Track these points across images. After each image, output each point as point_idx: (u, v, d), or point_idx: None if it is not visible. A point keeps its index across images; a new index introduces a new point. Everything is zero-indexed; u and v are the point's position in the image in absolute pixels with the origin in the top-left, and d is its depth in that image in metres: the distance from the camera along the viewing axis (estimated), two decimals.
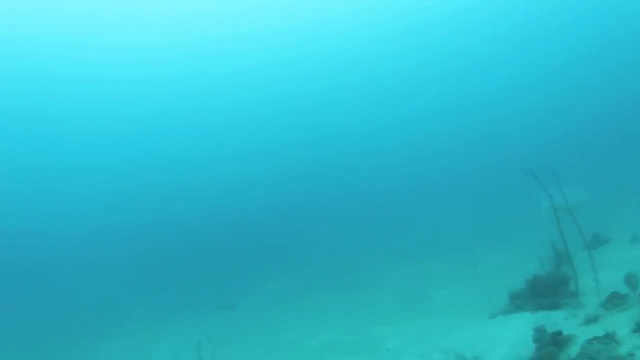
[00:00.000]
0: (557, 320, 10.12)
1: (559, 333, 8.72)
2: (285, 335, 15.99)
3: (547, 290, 11.19)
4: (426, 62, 67.58)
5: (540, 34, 63.57)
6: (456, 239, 23.28)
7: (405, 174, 54.72)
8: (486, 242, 22.90)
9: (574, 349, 8.37)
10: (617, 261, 13.73)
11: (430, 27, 63.61)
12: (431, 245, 25.01)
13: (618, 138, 42.81)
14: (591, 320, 9.42)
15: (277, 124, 70.56)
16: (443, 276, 18.44)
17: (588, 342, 8.11)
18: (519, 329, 9.97)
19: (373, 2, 59.80)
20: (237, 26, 60.78)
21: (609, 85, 58.27)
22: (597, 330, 8.73)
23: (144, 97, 66.74)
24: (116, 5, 53.53)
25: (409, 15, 62.02)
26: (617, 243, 16.61)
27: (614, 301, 9.68)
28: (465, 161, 53.63)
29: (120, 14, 54.71)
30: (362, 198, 50.65)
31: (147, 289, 30.92)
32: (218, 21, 59.62)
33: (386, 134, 65.90)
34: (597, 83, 60.19)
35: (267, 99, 69.64)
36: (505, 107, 62.24)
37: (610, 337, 8.07)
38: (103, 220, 59.45)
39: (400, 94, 69.41)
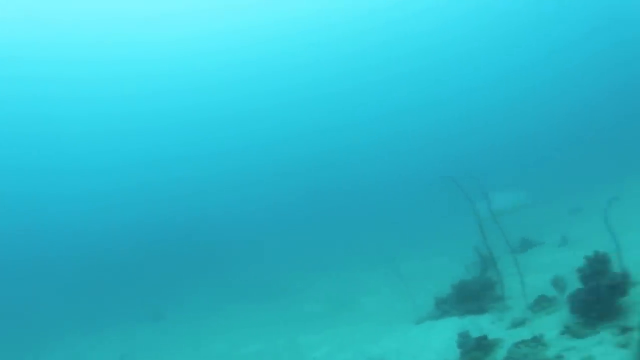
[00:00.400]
0: (484, 324, 9.85)
1: (484, 337, 8.38)
2: (215, 346, 15.40)
3: (473, 295, 10.90)
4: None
5: (473, 47, 64.79)
6: (385, 246, 23.08)
7: (332, 183, 54.72)
8: (414, 248, 22.85)
9: (500, 353, 8.04)
10: (546, 264, 13.69)
11: None
12: (359, 253, 24.76)
13: (548, 144, 43.83)
14: (518, 323, 9.12)
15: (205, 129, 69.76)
16: (371, 283, 18.14)
17: (515, 345, 7.76)
18: (446, 334, 9.65)
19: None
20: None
21: (535, 96, 59.88)
22: (525, 333, 8.46)
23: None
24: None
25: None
26: (546, 246, 16.64)
27: (542, 304, 9.44)
28: (393, 169, 53.96)
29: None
30: (289, 207, 50.50)
31: (79, 296, 29.79)
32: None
33: (314, 143, 65.80)
34: (524, 93, 61.72)
35: None
36: (433, 116, 63.09)
37: (537, 340, 7.76)
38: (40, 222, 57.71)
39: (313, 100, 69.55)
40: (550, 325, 8.38)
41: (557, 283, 9.91)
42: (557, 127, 49.19)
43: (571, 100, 57.09)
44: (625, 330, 7.18)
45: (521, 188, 22.27)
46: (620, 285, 7.84)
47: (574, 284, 8.67)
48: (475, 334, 9.04)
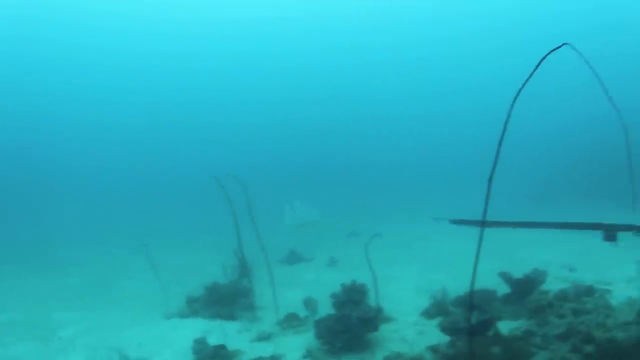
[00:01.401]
0: (230, 331, 9.36)
1: (222, 347, 7.81)
2: None
3: (225, 299, 10.39)
4: None
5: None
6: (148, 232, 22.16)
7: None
8: (181, 240, 22.24)
9: None
10: (309, 281, 13.79)
11: None
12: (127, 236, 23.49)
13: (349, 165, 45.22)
14: (264, 337, 8.71)
15: None
16: (135, 268, 17.08)
17: None
18: (190, 335, 8.99)
19: None
20: None
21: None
22: (268, 348, 8.13)
23: None
24: None
25: None
26: (314, 263, 16.90)
27: (291, 322, 9.16)
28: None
29: None
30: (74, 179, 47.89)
31: None
32: None
33: None
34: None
35: None
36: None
37: (275, 359, 7.38)
38: None
39: None
40: (294, 346, 8.10)
41: (309, 304, 9.78)
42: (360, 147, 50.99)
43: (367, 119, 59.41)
44: None
45: (313, 203, 22.56)
46: (372, 320, 7.77)
47: (329, 308, 8.56)
48: (219, 339, 8.54)
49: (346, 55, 61.16)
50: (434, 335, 7.50)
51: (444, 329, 7.08)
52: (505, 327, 7.67)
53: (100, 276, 16.91)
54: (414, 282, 12.19)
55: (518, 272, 9.46)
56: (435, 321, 8.22)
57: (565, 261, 12.66)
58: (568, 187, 25.42)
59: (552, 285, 9.72)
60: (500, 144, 3.02)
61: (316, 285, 12.08)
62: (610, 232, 5.21)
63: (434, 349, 6.74)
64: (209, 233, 22.62)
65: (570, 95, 42.97)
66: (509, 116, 3.14)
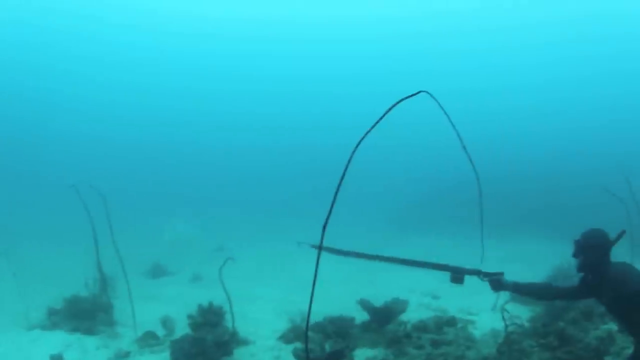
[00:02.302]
0: (89, 347, 9.37)
1: None
2: None
3: (84, 313, 10.34)
4: None
5: None
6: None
7: None
8: (49, 245, 21.34)
9: None
10: (171, 297, 13.72)
11: None
12: None
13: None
14: (122, 355, 8.84)
15: None
16: None
17: None
18: (50, 349, 8.89)
19: None
20: None
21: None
22: None
23: None
24: None
25: None
26: (177, 277, 16.81)
27: (149, 341, 9.32)
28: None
29: None
30: None
31: None
32: None
33: None
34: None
35: None
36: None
37: None
38: None
39: None
40: None
41: (166, 323, 9.93)
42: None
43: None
44: None
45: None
46: (227, 344, 8.08)
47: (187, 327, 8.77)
48: (78, 355, 8.58)
49: None
50: None
51: (298, 357, 7.37)
52: (362, 355, 8.10)
53: None
54: (276, 302, 12.43)
55: (381, 297, 9.83)
56: (292, 346, 8.60)
57: (429, 288, 13.03)
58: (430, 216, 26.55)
59: (415, 313, 10.22)
60: (339, 185, 3.29)
61: (177, 302, 12.09)
62: (457, 275, 5.61)
63: None
64: (78, 240, 21.97)
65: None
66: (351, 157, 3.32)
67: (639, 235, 12.53)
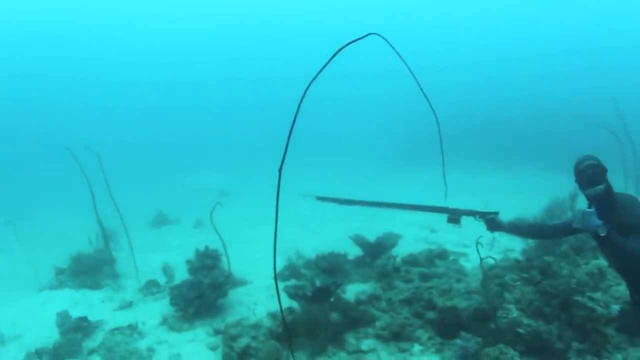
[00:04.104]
0: (95, 301, 9.58)
1: (84, 319, 8.01)
2: None
3: (90, 269, 10.55)
4: None
5: None
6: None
7: None
8: (53, 208, 21.52)
9: (98, 337, 7.82)
10: (174, 245, 13.98)
11: None
12: None
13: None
14: (125, 306, 9.04)
15: None
16: (8, 241, 16.45)
17: (111, 331, 7.63)
18: (58, 308, 9.07)
19: None
20: None
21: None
22: (129, 317, 8.41)
23: None
24: None
25: None
26: (180, 226, 17.06)
27: (151, 289, 9.54)
28: None
29: None
30: None
31: None
32: None
33: None
34: None
35: None
36: None
37: (133, 329, 7.73)
38: None
39: None
40: (153, 313, 8.48)
41: (166, 270, 10.16)
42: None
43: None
44: (218, 332, 7.51)
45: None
46: (222, 285, 8.26)
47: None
48: (85, 310, 8.77)
49: None
50: (284, 299, 7.67)
51: (290, 295, 7.56)
52: (354, 290, 8.20)
53: None
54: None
55: (380, 232, 10.00)
56: (289, 283, 8.76)
57: (429, 222, 12.98)
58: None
59: (411, 247, 10.29)
60: (289, 136, 3.25)
61: (180, 249, 12.25)
62: (453, 216, 5.67)
63: (273, 315, 7.21)
64: (79, 201, 22.19)
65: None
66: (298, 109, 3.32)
67: (631, 165, 12.75)
